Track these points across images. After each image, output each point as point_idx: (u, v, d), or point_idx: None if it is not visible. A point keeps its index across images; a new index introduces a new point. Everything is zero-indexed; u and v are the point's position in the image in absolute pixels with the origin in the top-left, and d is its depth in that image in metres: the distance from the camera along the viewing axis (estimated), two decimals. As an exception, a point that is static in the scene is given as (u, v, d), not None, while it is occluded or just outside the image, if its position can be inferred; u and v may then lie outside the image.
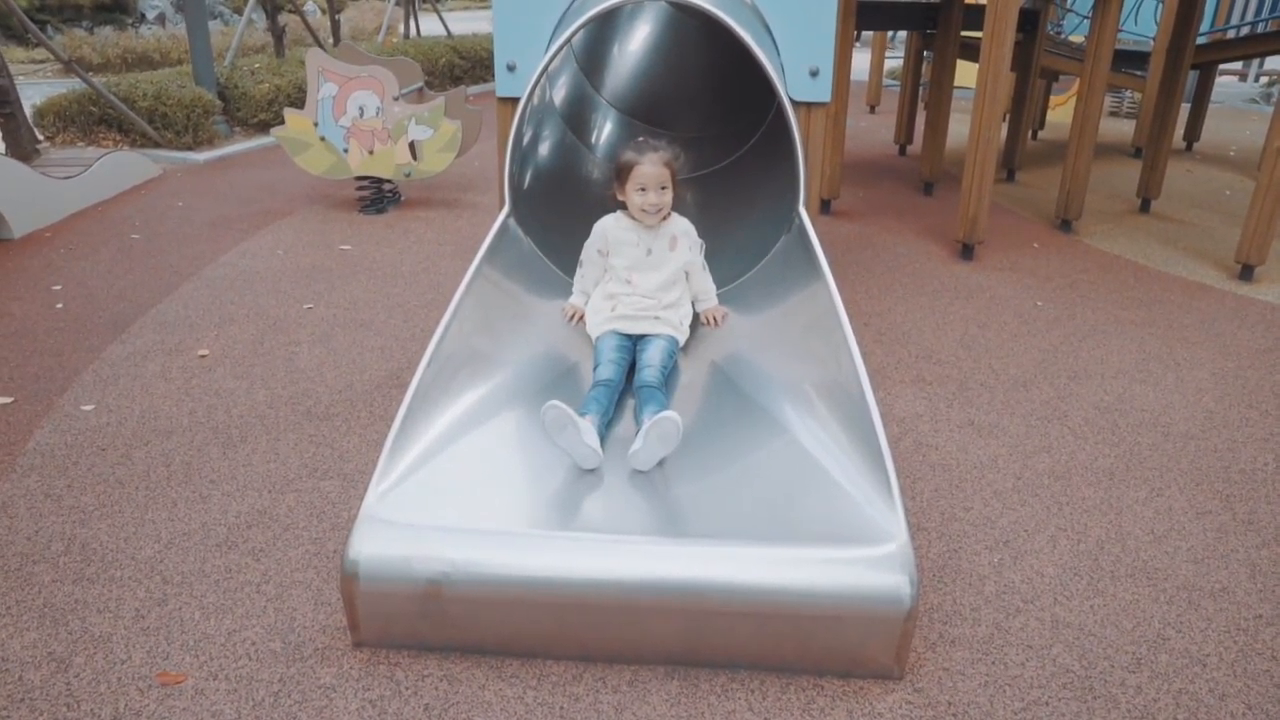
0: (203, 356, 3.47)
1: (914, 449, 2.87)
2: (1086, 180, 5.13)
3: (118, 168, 5.88)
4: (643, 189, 2.54)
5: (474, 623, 1.95)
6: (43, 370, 3.34)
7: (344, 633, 2.06)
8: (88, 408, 3.07)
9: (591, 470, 2.09)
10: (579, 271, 2.71)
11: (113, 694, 1.91)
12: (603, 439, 2.15)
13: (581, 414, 2.13)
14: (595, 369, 2.39)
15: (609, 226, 2.64)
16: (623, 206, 2.62)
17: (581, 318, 2.67)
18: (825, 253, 2.53)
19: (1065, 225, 5.30)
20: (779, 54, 2.85)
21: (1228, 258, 4.76)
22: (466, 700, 1.89)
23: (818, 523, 1.98)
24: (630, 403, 2.37)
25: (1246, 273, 4.52)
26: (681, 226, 2.66)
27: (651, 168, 2.53)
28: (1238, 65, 12.56)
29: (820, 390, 2.26)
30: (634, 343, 2.48)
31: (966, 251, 4.75)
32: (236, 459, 2.78)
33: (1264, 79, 12.65)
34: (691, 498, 2.04)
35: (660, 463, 2.14)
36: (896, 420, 3.02)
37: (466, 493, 2.05)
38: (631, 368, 2.44)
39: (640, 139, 2.60)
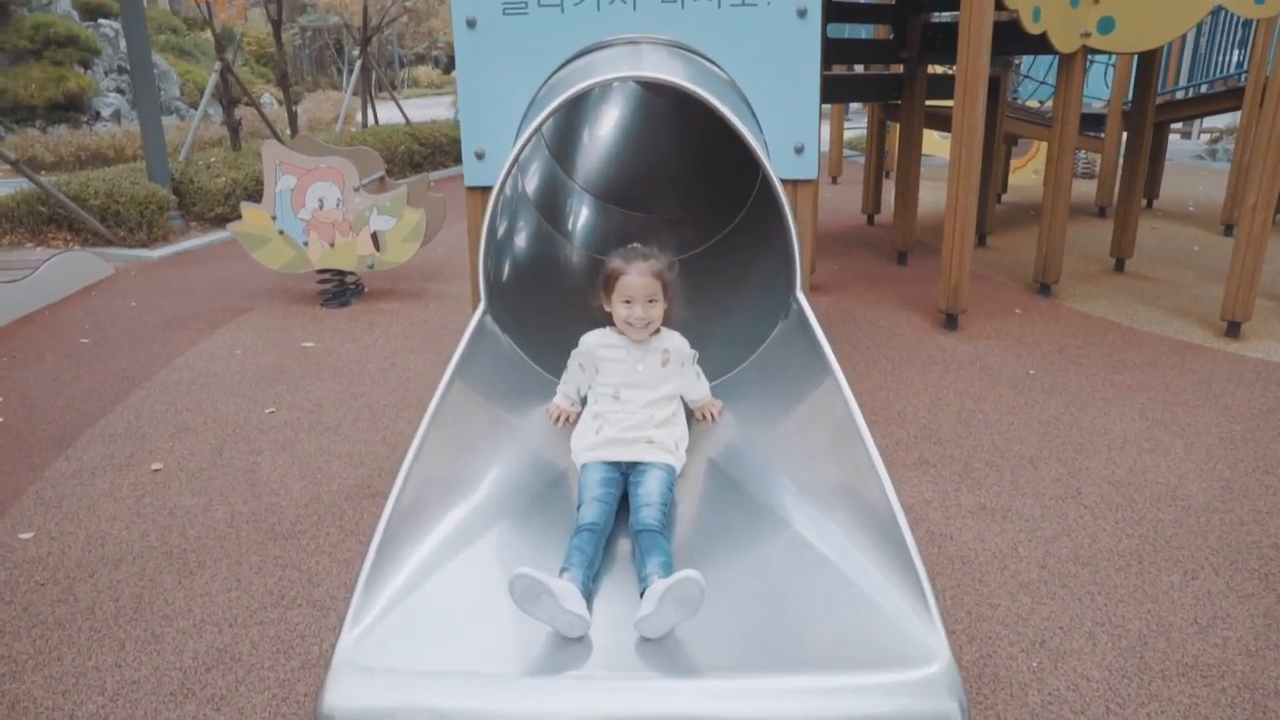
0: (156, 471, 3.22)
1: (928, 540, 2.69)
2: (1063, 243, 5.09)
3: (67, 268, 5.65)
4: (628, 301, 2.27)
5: (468, 781, 1.70)
6: (-22, 496, 3.06)
7: (317, 797, 1.80)
8: (25, 535, 2.80)
9: (579, 638, 1.74)
10: (563, 378, 2.48)
11: None
12: (590, 595, 1.84)
13: (562, 569, 1.83)
14: (579, 508, 2.05)
15: (593, 344, 2.36)
16: (611, 320, 2.36)
17: (568, 419, 2.42)
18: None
19: (1044, 289, 5.24)
20: (761, 131, 2.74)
21: (1211, 314, 4.71)
22: None
23: (847, 645, 1.77)
24: (621, 545, 2.05)
25: (1233, 329, 4.46)
26: (673, 343, 2.37)
27: (639, 278, 2.26)
28: (1178, 125, 12.94)
29: (835, 491, 2.07)
30: (623, 473, 2.16)
31: (950, 321, 4.65)
32: (193, 588, 2.52)
33: (1205, 136, 13.04)
34: (703, 624, 1.82)
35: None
36: (906, 508, 2.83)
37: (452, 631, 1.82)
38: (622, 502, 2.13)
39: (633, 245, 2.37)
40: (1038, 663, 2.16)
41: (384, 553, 1.87)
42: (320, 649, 2.25)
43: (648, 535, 1.92)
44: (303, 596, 2.46)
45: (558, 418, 2.43)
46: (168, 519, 2.89)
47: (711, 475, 2.28)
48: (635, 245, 2.36)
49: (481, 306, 2.52)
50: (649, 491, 2.06)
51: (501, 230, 2.84)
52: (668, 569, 1.82)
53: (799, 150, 2.81)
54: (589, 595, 1.84)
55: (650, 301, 2.28)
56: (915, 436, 3.39)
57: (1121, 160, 6.35)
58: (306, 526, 2.82)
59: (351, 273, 5.32)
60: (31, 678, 2.18)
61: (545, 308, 2.82)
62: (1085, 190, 8.28)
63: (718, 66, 2.83)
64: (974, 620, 2.32)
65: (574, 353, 2.41)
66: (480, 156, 3.03)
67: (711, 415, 2.47)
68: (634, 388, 2.30)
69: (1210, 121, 12.68)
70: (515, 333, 2.62)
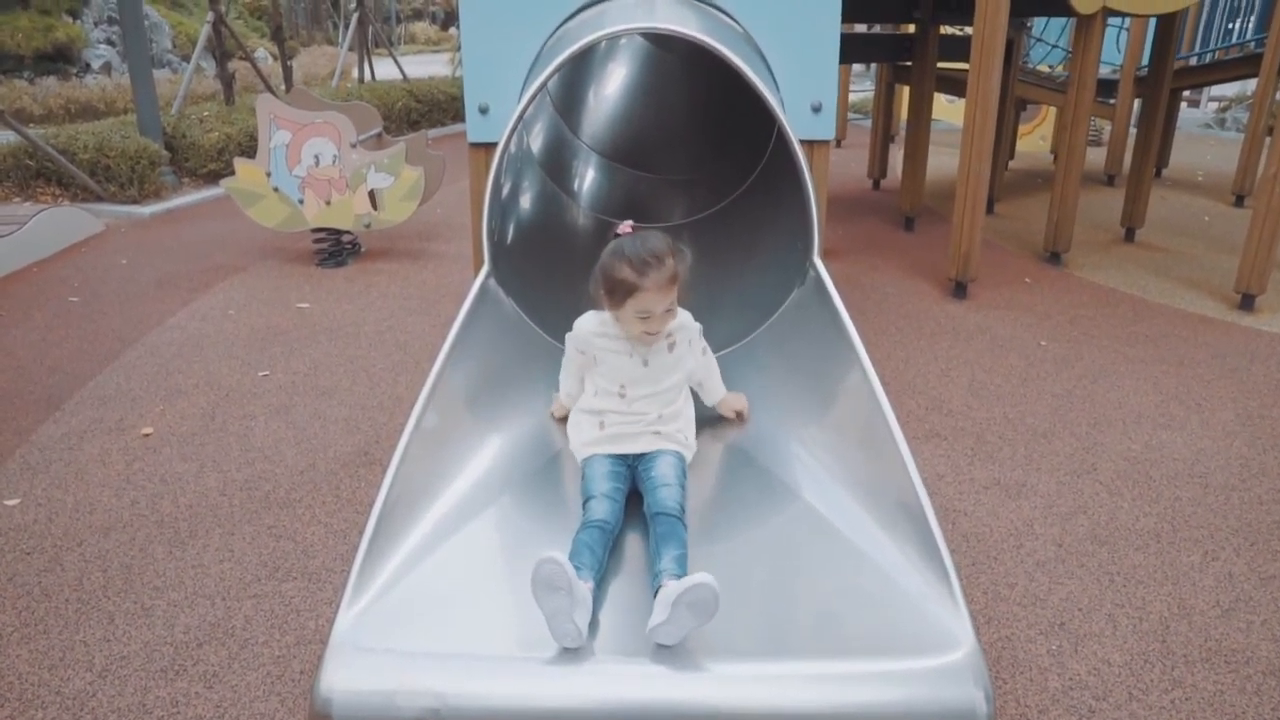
0: (146, 435, 3.12)
1: (941, 516, 2.60)
2: (1075, 211, 4.98)
3: (55, 224, 5.51)
4: (645, 317, 1.98)
5: (472, 765, 1.63)
6: (-38, 459, 2.97)
7: (314, 779, 1.73)
8: (12, 502, 2.71)
9: (574, 649, 1.60)
10: (564, 365, 2.22)
11: None
12: (598, 602, 1.71)
13: (576, 568, 1.67)
14: (585, 503, 1.89)
15: (590, 333, 2.08)
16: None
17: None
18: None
19: (1054, 258, 5.14)
20: (778, 88, 2.62)
21: (1224, 286, 4.62)
22: None
23: (868, 629, 1.69)
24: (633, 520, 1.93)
25: (1247, 302, 4.37)
26: (679, 322, 2.10)
27: (657, 292, 1.94)
28: (1186, 93, 12.75)
29: (855, 468, 1.99)
30: (630, 465, 2.00)
31: (959, 290, 4.56)
32: (185, 559, 2.44)
33: (1213, 105, 12.85)
34: (720, 606, 1.75)
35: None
36: (918, 482, 2.77)
37: (453, 611, 1.74)
38: (631, 494, 1.98)
39: (630, 233, 2.00)
40: (1057, 645, 2.09)
41: (382, 529, 1.79)
42: (316, 624, 2.17)
43: (665, 520, 1.81)
44: (298, 569, 2.39)
45: (564, 417, 2.25)
46: (158, 486, 2.81)
47: (725, 450, 2.19)
48: (635, 233, 2.01)
49: (485, 269, 2.42)
50: (664, 474, 1.93)
51: (505, 190, 2.73)
52: (682, 565, 1.72)
53: (816, 109, 2.69)
54: (597, 602, 1.74)
55: (668, 311, 2.01)
56: (926, 408, 3.31)
57: (1134, 128, 6.22)
58: (302, 495, 2.74)
59: (348, 232, 5.20)
60: (16, 651, 2.10)
61: (550, 271, 2.72)
62: (1092, 158, 8.14)
63: (733, 20, 2.70)
64: (991, 600, 2.25)
65: (569, 338, 2.15)
66: (484, 111, 2.91)
67: (742, 414, 2.25)
68: (640, 383, 2.07)
69: (1219, 90, 12.49)
70: (519, 297, 2.52)
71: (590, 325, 2.10)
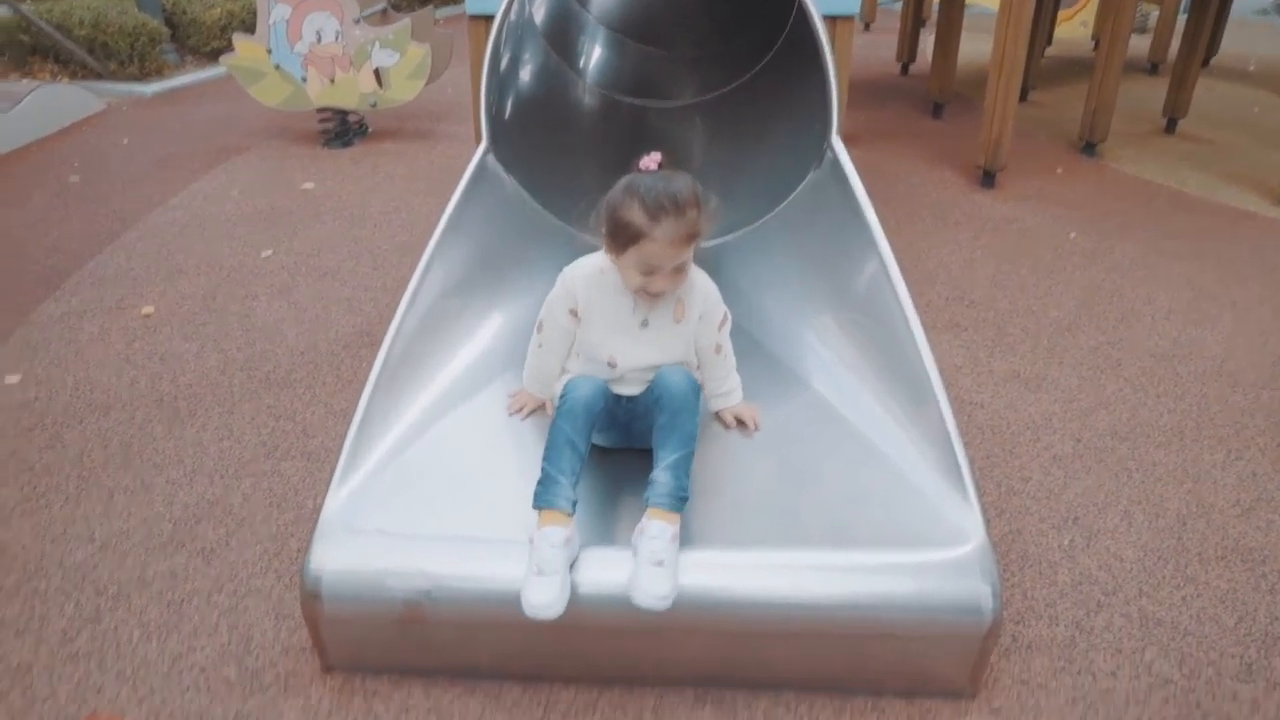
0: (146, 315, 3.07)
1: (957, 407, 2.50)
2: (1114, 100, 4.72)
3: (53, 102, 5.35)
4: (649, 272, 1.65)
5: (465, 646, 1.62)
6: (-38, 336, 2.94)
7: (311, 654, 1.73)
8: (12, 379, 2.68)
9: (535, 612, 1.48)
10: (535, 340, 1.82)
11: (31, 744, 1.58)
12: (589, 479, 1.64)
13: (544, 504, 1.55)
14: (555, 422, 1.63)
15: (579, 285, 1.74)
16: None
17: (533, 412, 1.91)
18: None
19: (1089, 148, 4.91)
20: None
21: (1268, 181, 4.40)
22: (459, 741, 1.58)
23: (876, 521, 1.64)
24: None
25: (1291, 197, 4.17)
26: (697, 290, 1.76)
27: (668, 246, 1.60)
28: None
29: (869, 358, 1.91)
30: (622, 402, 1.76)
31: (988, 179, 4.37)
32: (184, 437, 2.41)
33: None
34: (721, 495, 1.70)
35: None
36: (934, 375, 2.68)
37: (448, 492, 1.70)
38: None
39: (653, 170, 1.64)
40: (1069, 540, 2.04)
41: (374, 409, 1.74)
42: (315, 503, 2.15)
43: (671, 400, 1.64)
44: (297, 448, 2.35)
45: (521, 409, 1.92)
46: (158, 365, 2.76)
47: (735, 337, 2.10)
48: (662, 178, 1.62)
49: (483, 144, 2.30)
50: (670, 375, 1.69)
51: (505, 62, 2.57)
52: (680, 472, 1.59)
53: (842, -24, 2.49)
54: (590, 477, 1.65)
55: (677, 270, 1.67)
56: (947, 299, 3.20)
57: (1184, 14, 5.85)
58: (302, 375, 2.69)
59: (354, 111, 5.02)
60: (19, 524, 2.10)
61: (553, 148, 2.59)
62: (1136, 45, 7.72)
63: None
64: (1003, 494, 2.19)
65: (552, 298, 1.75)
66: (485, -23, 2.73)
67: (754, 422, 1.88)
68: (635, 351, 1.74)
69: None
70: (520, 173, 2.40)
71: (582, 273, 1.75)
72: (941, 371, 2.62)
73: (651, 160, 1.65)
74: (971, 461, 2.15)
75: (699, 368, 1.84)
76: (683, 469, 1.60)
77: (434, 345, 1.93)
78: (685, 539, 1.56)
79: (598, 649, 1.56)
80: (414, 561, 1.57)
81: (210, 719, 1.62)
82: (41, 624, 1.82)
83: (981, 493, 2.09)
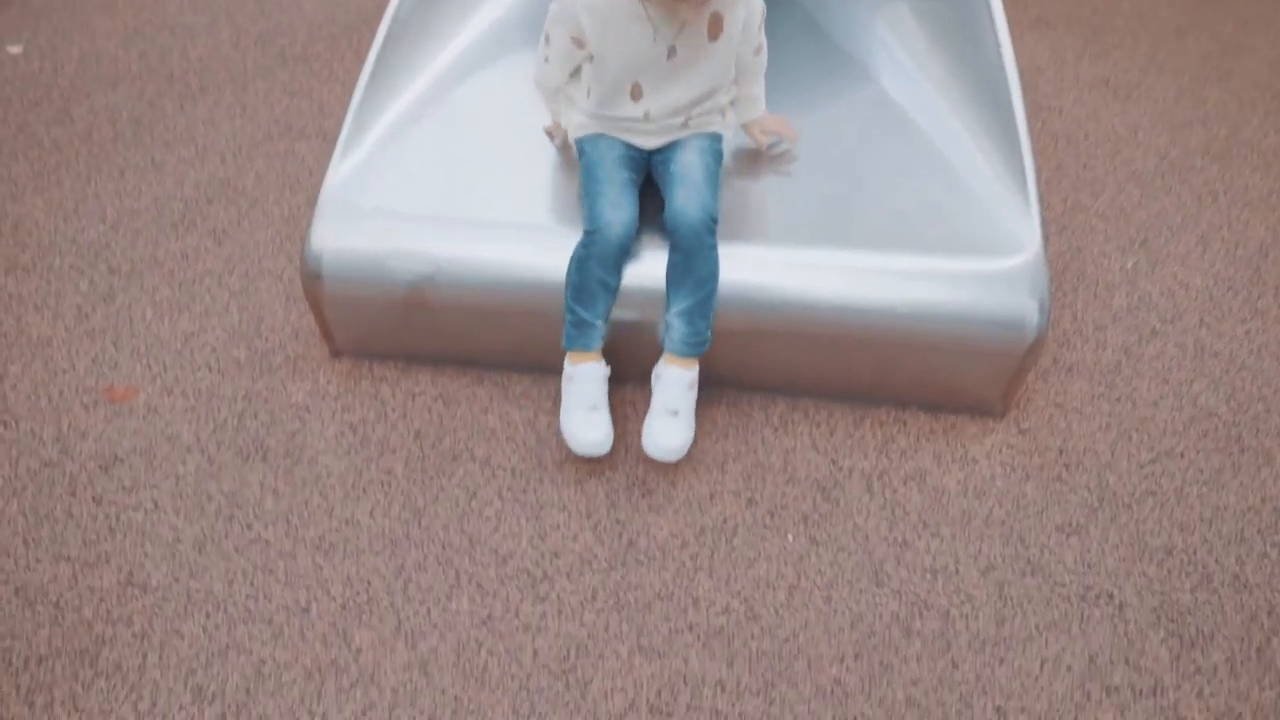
0: (154, -17, 2.83)
1: (1032, 112, 2.26)
2: None
3: None
4: None
5: (471, 333, 1.56)
6: (-39, -1, 2.75)
7: (320, 339, 1.70)
8: (15, 50, 2.53)
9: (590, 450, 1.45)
10: (541, 52, 1.48)
11: (54, 410, 1.61)
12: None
13: (580, 347, 1.45)
14: (587, 203, 1.43)
15: (581, 13, 1.35)
16: None
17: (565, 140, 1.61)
18: None
19: None
20: None
21: None
22: (465, 426, 1.57)
23: (929, 226, 1.49)
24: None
25: None
26: None
27: None
28: None
29: (942, 53, 1.65)
30: (645, 154, 1.52)
31: None
32: (195, 115, 2.28)
33: None
34: (764, 192, 1.54)
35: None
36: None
37: (452, 172, 1.57)
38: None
39: None
40: (1133, 263, 1.87)
41: (379, 75, 1.57)
42: (328, 188, 2.05)
43: (686, 237, 1.39)
44: (312, 127, 2.22)
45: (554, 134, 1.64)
46: (168, 38, 2.57)
47: (792, 18, 1.82)
48: None
49: None
50: (688, 170, 1.44)
51: None
52: (695, 320, 1.42)
53: None
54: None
55: None
56: (1040, -7, 2.79)
57: None
58: (320, 50, 2.50)
59: None
60: (32, 200, 2.04)
61: None
62: None
63: None
64: (1069, 209, 2.00)
65: (552, 14, 1.41)
66: None
67: (787, 134, 1.61)
68: (661, 84, 1.43)
69: None
70: None
71: None
72: (1020, 70, 2.33)
73: None
74: (1038, 170, 1.94)
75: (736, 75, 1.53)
76: (699, 314, 1.41)
77: (443, 13, 1.71)
78: (722, 232, 1.42)
79: (612, 343, 1.49)
80: (417, 243, 1.48)
81: (220, 396, 1.62)
82: (58, 300, 1.81)
83: (1044, 204, 1.91)
